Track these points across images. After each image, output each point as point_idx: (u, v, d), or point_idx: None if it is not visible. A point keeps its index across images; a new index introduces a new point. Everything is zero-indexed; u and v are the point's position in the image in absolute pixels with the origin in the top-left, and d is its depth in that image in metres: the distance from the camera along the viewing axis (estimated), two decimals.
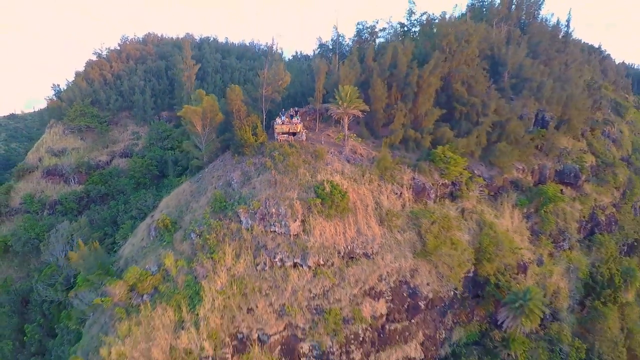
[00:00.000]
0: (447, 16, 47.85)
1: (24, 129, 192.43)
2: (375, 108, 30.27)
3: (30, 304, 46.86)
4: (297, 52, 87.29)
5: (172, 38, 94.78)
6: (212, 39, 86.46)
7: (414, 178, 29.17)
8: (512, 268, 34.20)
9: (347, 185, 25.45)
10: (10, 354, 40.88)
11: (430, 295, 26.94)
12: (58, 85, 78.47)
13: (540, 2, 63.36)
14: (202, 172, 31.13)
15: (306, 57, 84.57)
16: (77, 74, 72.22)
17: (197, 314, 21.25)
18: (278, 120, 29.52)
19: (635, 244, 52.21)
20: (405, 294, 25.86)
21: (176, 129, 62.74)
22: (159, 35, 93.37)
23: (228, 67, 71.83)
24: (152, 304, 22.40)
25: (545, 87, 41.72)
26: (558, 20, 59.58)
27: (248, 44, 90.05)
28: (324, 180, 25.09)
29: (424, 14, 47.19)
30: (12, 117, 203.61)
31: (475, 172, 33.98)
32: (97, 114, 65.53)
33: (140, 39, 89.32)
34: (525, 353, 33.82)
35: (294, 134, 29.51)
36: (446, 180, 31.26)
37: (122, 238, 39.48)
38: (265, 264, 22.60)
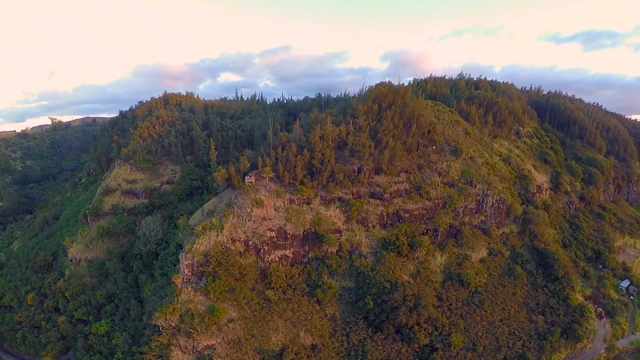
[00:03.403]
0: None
1: (36, 147, 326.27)
2: (279, 173, 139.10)
3: (125, 258, 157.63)
4: (274, 99, 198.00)
5: (183, 94, 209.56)
6: (214, 100, 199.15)
7: (290, 197, 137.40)
8: (332, 230, 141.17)
9: (264, 199, 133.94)
10: (120, 278, 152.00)
11: (291, 233, 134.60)
12: (121, 139, 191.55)
13: (407, 91, 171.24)
14: (220, 194, 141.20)
15: (282, 102, 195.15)
16: (135, 133, 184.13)
17: (223, 230, 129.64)
18: (247, 177, 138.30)
19: (451, 232, 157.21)
20: (282, 231, 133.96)
21: (196, 167, 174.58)
22: (176, 92, 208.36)
23: (224, 127, 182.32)
24: (209, 229, 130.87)
25: (365, 154, 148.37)
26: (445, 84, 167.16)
27: (237, 99, 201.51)
28: (257, 197, 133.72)
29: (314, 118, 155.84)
30: (24, 135, 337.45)
31: (319, 194, 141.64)
32: (151, 159, 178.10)
33: (162, 97, 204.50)
34: (335, 263, 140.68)
35: (251, 182, 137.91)
36: (304, 197, 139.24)
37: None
38: (241, 220, 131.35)
